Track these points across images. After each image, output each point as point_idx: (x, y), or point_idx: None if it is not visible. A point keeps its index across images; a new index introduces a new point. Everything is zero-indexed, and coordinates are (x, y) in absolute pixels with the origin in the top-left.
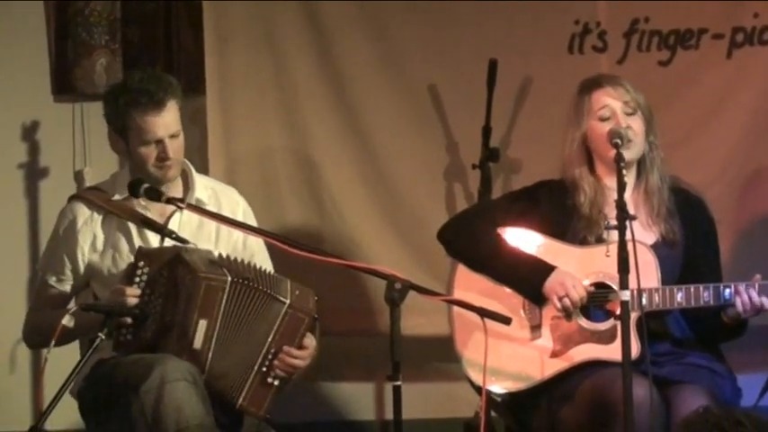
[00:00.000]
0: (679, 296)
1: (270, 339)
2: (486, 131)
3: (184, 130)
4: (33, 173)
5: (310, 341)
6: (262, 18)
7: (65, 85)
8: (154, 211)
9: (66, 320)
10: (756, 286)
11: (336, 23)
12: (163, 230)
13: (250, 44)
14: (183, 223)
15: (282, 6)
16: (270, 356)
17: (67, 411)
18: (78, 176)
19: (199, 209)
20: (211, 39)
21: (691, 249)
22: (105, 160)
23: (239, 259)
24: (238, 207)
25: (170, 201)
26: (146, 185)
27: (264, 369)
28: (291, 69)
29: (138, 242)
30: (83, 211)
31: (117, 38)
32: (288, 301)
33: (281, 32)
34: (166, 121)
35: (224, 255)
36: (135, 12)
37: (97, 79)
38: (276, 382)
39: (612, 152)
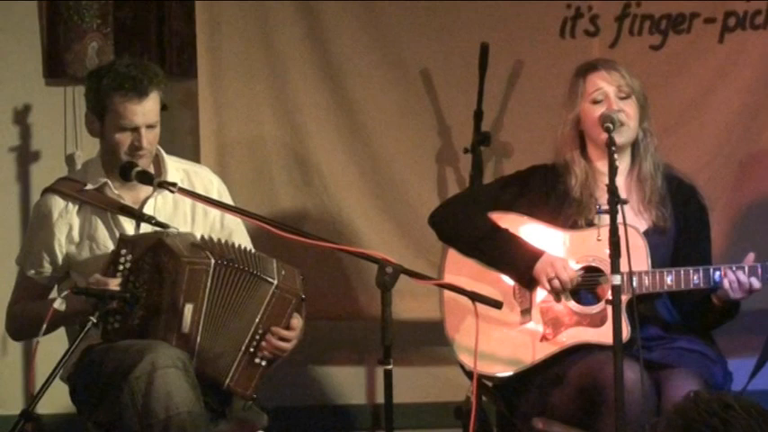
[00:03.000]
0: (669, 279)
1: (257, 320)
2: (478, 115)
3: (176, 113)
4: (25, 156)
5: (297, 322)
6: (254, 2)
7: (57, 69)
8: (127, 197)
9: (58, 304)
10: (746, 269)
11: (328, 7)
12: (142, 216)
13: (242, 28)
14: (159, 207)
15: None
16: (257, 337)
17: (59, 395)
18: (70, 160)
19: (190, 192)
20: (203, 22)
21: (681, 237)
22: (97, 144)
23: (222, 240)
24: (212, 186)
25: (162, 184)
26: (138, 169)
27: (252, 350)
28: (283, 53)
29: (114, 230)
30: (57, 204)
31: (109, 21)
32: (275, 282)
33: (273, 17)
34: (146, 110)
35: (205, 237)
36: None
37: (89, 63)
38: (263, 363)
39: (604, 136)
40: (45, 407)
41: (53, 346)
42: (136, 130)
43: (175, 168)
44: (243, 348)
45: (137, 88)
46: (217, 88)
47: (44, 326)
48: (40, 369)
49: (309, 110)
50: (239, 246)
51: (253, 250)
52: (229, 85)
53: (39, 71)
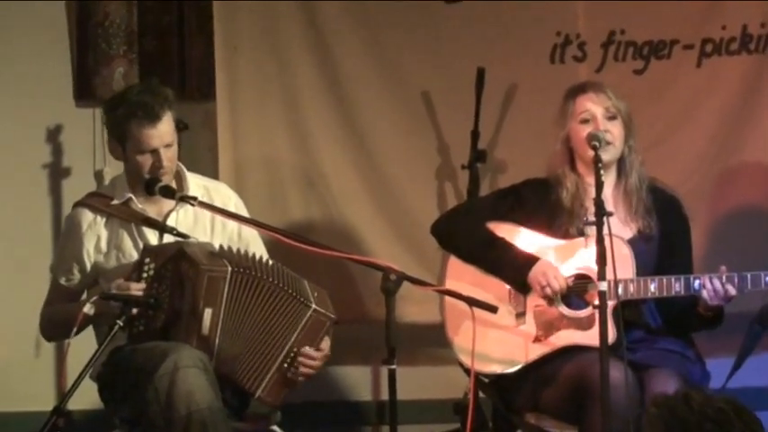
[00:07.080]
0: (652, 286)
1: (293, 339)
2: (475, 135)
3: (196, 133)
4: (57, 172)
5: (326, 343)
6: (267, 28)
7: (86, 92)
8: (151, 210)
9: (87, 309)
10: (723, 277)
11: (338, 36)
12: (164, 228)
13: (257, 52)
14: (180, 220)
15: (286, 16)
16: (292, 355)
17: (88, 393)
18: (98, 176)
19: (209, 205)
20: (221, 48)
21: (665, 245)
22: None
23: (241, 251)
24: (230, 201)
25: (183, 198)
26: (161, 184)
27: (285, 366)
28: (294, 76)
29: (138, 241)
30: (86, 216)
31: (134, 48)
32: (313, 306)
33: (284, 41)
34: (161, 133)
35: (224, 247)
36: (151, 24)
37: (116, 86)
38: (294, 379)
39: (591, 153)
40: (75, 403)
41: (83, 347)
42: (155, 151)
43: (196, 185)
44: (276, 364)
45: (149, 115)
46: (234, 108)
47: (75, 329)
48: (71, 368)
49: (319, 129)
50: (255, 255)
51: (270, 261)
52: (245, 107)
53: (69, 94)
